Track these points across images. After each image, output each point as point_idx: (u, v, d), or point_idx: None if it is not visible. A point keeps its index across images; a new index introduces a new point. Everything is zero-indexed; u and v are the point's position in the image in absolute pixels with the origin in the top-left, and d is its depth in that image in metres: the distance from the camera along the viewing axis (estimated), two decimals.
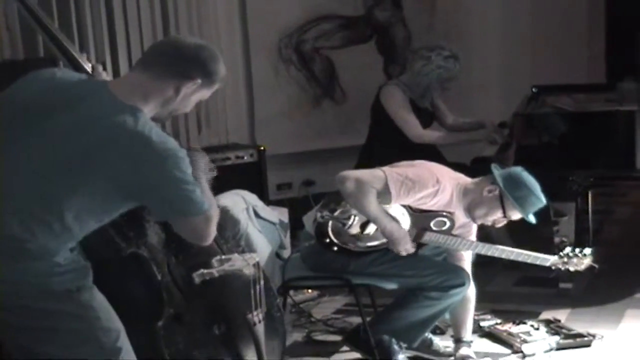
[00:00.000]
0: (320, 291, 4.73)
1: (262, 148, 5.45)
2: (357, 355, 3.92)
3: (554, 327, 4.07)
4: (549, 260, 3.72)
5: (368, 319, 3.81)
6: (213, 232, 2.53)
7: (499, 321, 4.19)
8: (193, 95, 2.56)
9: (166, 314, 2.72)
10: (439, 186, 3.61)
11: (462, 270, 3.75)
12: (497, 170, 3.66)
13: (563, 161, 4.60)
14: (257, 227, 4.01)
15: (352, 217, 3.64)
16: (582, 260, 3.73)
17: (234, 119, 6.00)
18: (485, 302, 4.56)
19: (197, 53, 2.53)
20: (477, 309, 4.40)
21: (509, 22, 6.92)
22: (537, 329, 4.06)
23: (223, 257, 2.88)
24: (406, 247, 3.62)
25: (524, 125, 4.82)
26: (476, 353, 3.91)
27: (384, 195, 3.56)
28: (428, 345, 3.90)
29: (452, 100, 5.70)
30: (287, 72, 6.27)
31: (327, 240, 3.64)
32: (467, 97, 6.43)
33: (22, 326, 2.38)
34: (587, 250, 3.76)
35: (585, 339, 3.96)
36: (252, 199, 4.25)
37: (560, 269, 3.78)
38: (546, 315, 4.31)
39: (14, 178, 2.37)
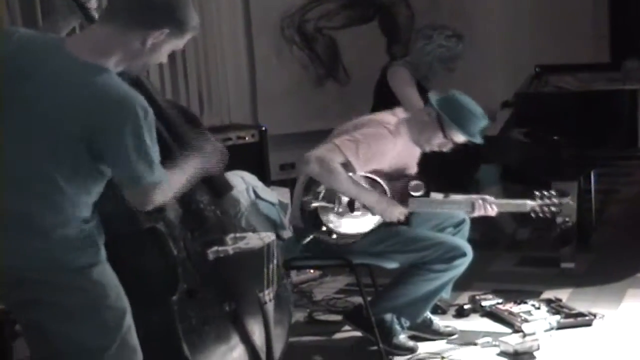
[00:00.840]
0: (322, 271, 4.75)
1: (263, 128, 5.44)
2: (358, 334, 3.93)
3: (555, 306, 4.08)
4: (527, 204, 3.78)
5: (369, 298, 3.81)
6: (157, 201, 2.41)
7: (500, 301, 4.19)
8: (163, 45, 2.41)
9: (180, 289, 2.73)
10: (389, 127, 3.67)
11: (463, 241, 3.79)
12: (432, 95, 3.74)
13: (565, 141, 4.58)
14: (258, 208, 4.02)
15: (337, 197, 3.64)
16: (561, 200, 3.78)
17: (236, 99, 5.99)
18: (486, 282, 4.59)
19: (161, 1, 2.38)
20: (478, 288, 4.44)
21: (513, 1, 6.88)
22: (538, 308, 4.06)
23: (237, 235, 2.90)
24: (399, 211, 3.64)
25: (526, 104, 4.80)
26: (477, 332, 3.93)
27: (347, 166, 3.58)
28: (428, 325, 3.91)
29: (455, 80, 5.68)
30: (289, 52, 6.25)
31: (324, 228, 3.62)
32: (471, 76, 6.39)
33: (36, 301, 2.38)
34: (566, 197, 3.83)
35: (586, 318, 3.96)
36: (252, 179, 4.25)
37: (540, 215, 3.81)
38: (548, 294, 4.32)
39: (7, 153, 2.35)
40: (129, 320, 2.45)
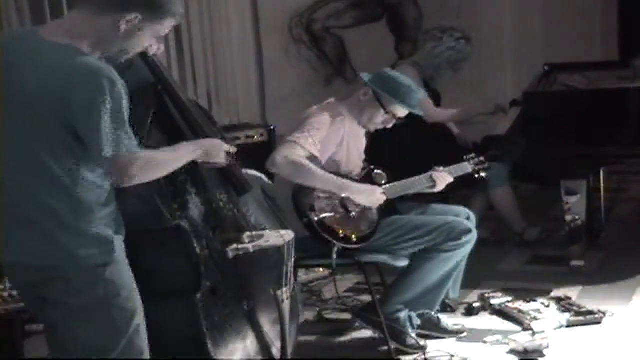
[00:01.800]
0: (331, 270, 4.74)
1: (272, 128, 5.45)
2: (369, 333, 3.94)
3: (564, 304, 4.07)
4: (467, 166, 3.98)
5: (378, 297, 3.82)
6: (139, 176, 2.37)
7: (509, 299, 4.19)
8: (138, 31, 2.37)
9: (204, 287, 2.75)
10: (331, 112, 3.72)
11: (463, 220, 3.86)
12: (365, 76, 3.82)
13: (574, 139, 4.58)
14: (266, 206, 4.02)
15: (330, 202, 3.63)
16: (486, 160, 4.03)
17: (245, 99, 6.01)
18: (496, 281, 4.59)
19: None
20: (488, 287, 4.45)
21: (520, 0, 6.88)
22: (548, 306, 4.06)
23: (254, 233, 2.92)
24: (378, 197, 3.69)
25: (535, 103, 4.80)
26: (487, 331, 3.93)
27: (311, 159, 3.59)
28: (437, 324, 3.91)
29: (464, 79, 5.69)
30: (298, 51, 6.27)
31: (330, 238, 3.58)
32: (480, 75, 6.41)
33: (50, 299, 2.39)
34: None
35: (596, 316, 3.95)
36: (260, 178, 4.25)
37: (482, 176, 4.03)
38: (557, 293, 4.31)
39: (5, 146, 2.36)
40: (137, 321, 2.45)
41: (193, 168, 2.79)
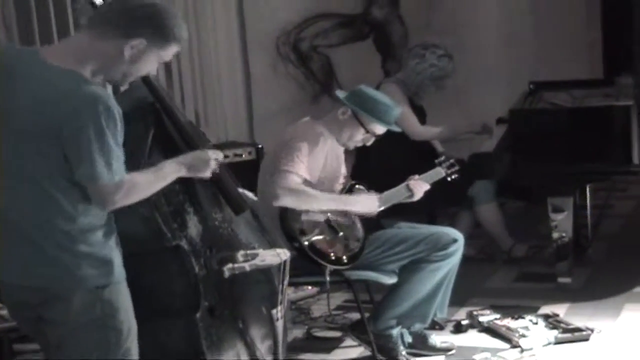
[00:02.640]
0: (320, 288, 4.75)
1: (260, 146, 5.45)
2: (358, 351, 3.94)
3: (552, 321, 4.09)
4: (440, 171, 4.02)
5: (367, 314, 3.82)
6: (120, 202, 2.36)
7: (497, 316, 4.20)
8: (143, 56, 2.39)
9: (202, 306, 2.76)
10: (314, 132, 3.72)
11: (448, 229, 3.89)
12: (340, 94, 3.82)
13: (560, 157, 4.61)
14: (255, 226, 4.02)
15: (318, 223, 3.64)
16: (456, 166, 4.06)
17: (233, 117, 6.02)
18: (484, 298, 4.60)
19: (142, 10, 2.36)
20: (476, 304, 4.45)
21: (506, 19, 6.93)
22: (536, 323, 4.07)
23: (248, 252, 2.92)
24: (374, 204, 3.73)
25: (521, 121, 4.83)
26: (475, 348, 3.93)
27: (306, 183, 3.61)
28: (425, 341, 3.92)
29: (450, 97, 5.72)
30: (285, 69, 6.28)
31: (322, 261, 3.58)
32: (466, 93, 6.45)
33: (52, 319, 2.39)
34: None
35: (584, 333, 3.97)
36: (249, 196, 4.26)
37: (450, 176, 4.05)
38: (545, 310, 4.33)
39: (5, 174, 2.36)
40: (129, 343, 2.45)
41: (189, 187, 2.79)
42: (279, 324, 2.92)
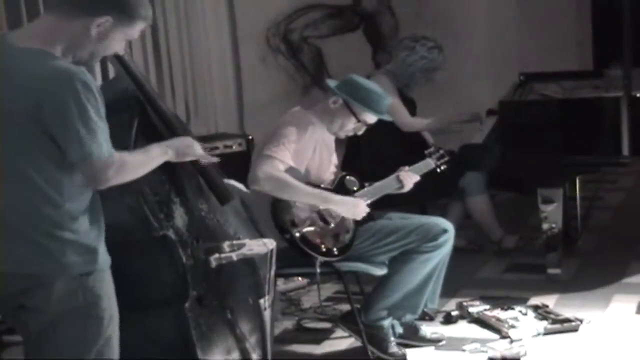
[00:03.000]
0: (310, 279, 4.75)
1: (250, 137, 5.45)
2: (348, 342, 3.94)
3: (541, 312, 4.10)
4: (430, 163, 4.04)
5: (357, 305, 3.82)
6: (112, 179, 2.36)
7: (487, 307, 4.21)
8: (111, 34, 2.38)
9: (191, 296, 2.76)
10: (304, 120, 3.71)
11: (438, 219, 3.89)
12: (331, 82, 3.82)
13: (550, 148, 4.62)
14: (245, 217, 4.02)
15: (309, 214, 3.63)
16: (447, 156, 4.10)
17: (223, 109, 6.00)
18: (474, 289, 4.62)
19: None
20: (466, 295, 4.47)
21: (496, 10, 6.94)
22: (525, 314, 4.08)
23: (234, 242, 2.91)
24: (361, 209, 3.70)
25: (511, 112, 4.84)
26: (465, 339, 3.94)
27: (290, 170, 3.60)
28: (415, 332, 3.93)
29: (440, 89, 5.72)
30: (275, 61, 6.27)
31: (313, 253, 3.58)
32: (456, 84, 6.45)
33: (34, 307, 2.37)
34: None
35: (573, 323, 3.98)
36: (239, 188, 4.25)
37: (440, 167, 4.08)
38: (535, 301, 4.34)
39: None
40: (110, 331, 2.44)
41: (175, 177, 2.79)
42: (267, 314, 2.92)
